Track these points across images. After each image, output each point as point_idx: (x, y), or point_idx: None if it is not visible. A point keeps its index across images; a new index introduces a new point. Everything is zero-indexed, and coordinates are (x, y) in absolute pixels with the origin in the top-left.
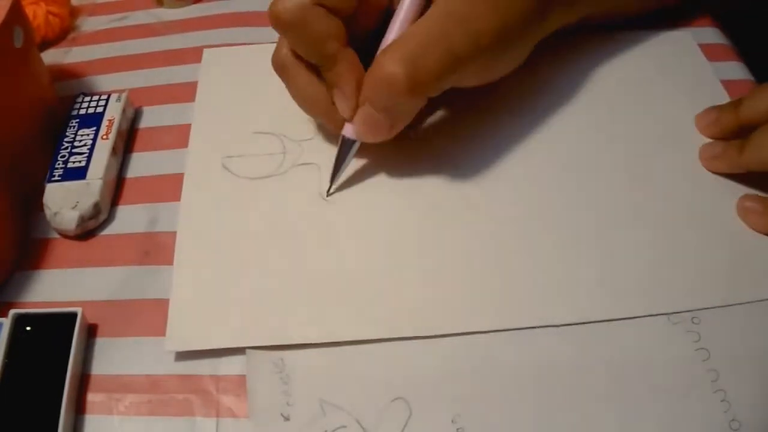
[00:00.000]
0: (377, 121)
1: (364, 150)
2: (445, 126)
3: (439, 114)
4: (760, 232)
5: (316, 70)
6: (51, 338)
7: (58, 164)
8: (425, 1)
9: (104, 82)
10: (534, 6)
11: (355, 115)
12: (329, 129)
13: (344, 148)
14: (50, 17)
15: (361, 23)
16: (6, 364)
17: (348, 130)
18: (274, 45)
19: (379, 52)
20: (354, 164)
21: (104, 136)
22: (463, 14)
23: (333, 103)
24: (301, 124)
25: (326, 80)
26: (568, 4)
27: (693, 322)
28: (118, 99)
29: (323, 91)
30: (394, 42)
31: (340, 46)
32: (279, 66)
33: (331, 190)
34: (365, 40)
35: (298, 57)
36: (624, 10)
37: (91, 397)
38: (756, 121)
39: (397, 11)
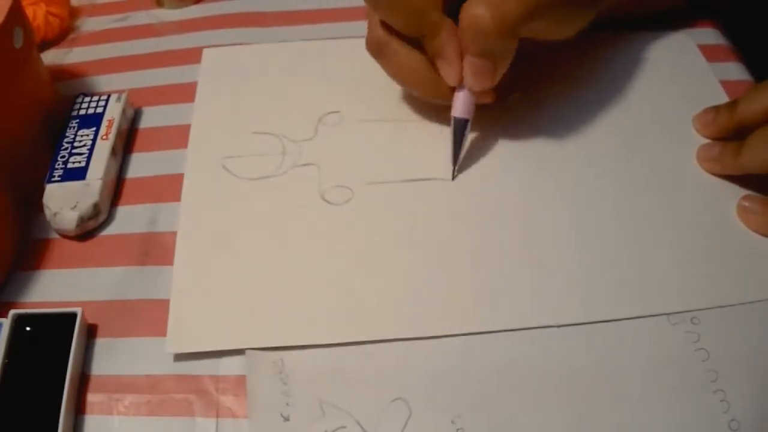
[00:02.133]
0: (480, 66)
1: (364, 152)
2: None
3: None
4: (759, 232)
5: (413, 44)
6: (51, 338)
7: (58, 164)
8: None
9: (104, 82)
10: None
11: (464, 69)
12: (436, 101)
13: (457, 129)
14: (50, 18)
15: None
16: (6, 364)
17: (456, 110)
18: (274, 45)
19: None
20: (353, 164)
21: (104, 137)
22: None
23: (436, 75)
24: (301, 124)
25: (429, 51)
26: None
27: (692, 323)
28: (118, 99)
29: (425, 63)
30: None
31: (439, 15)
32: (376, 46)
33: (455, 173)
34: (457, 10)
35: (394, 34)
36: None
37: (91, 398)
38: (751, 121)
39: None
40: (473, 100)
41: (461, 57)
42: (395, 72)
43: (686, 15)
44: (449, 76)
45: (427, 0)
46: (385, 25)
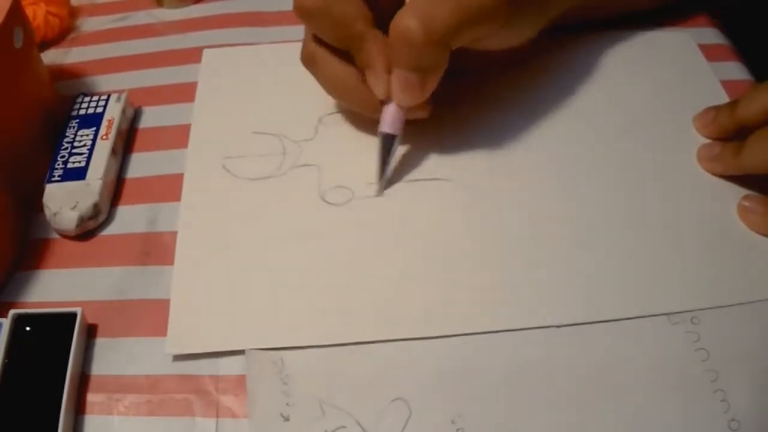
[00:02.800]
0: (410, 81)
1: (364, 152)
2: (447, 126)
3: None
4: (759, 233)
5: (345, 56)
6: (51, 338)
7: (58, 164)
8: None
9: (104, 82)
10: None
11: (391, 81)
12: (365, 114)
13: (384, 145)
14: (50, 17)
15: (384, 6)
16: (6, 364)
17: (384, 125)
18: (274, 45)
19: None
20: (353, 165)
21: (104, 137)
22: None
23: (365, 87)
24: (301, 124)
25: (357, 63)
26: None
27: (692, 323)
28: (118, 99)
29: (354, 75)
30: (407, 3)
31: (366, 26)
32: (308, 58)
33: (382, 190)
34: (389, 22)
35: (326, 46)
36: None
37: (91, 398)
38: (752, 121)
39: None
40: (402, 115)
41: (389, 68)
42: (326, 84)
43: (686, 14)
44: (377, 88)
45: (353, 11)
46: (317, 38)
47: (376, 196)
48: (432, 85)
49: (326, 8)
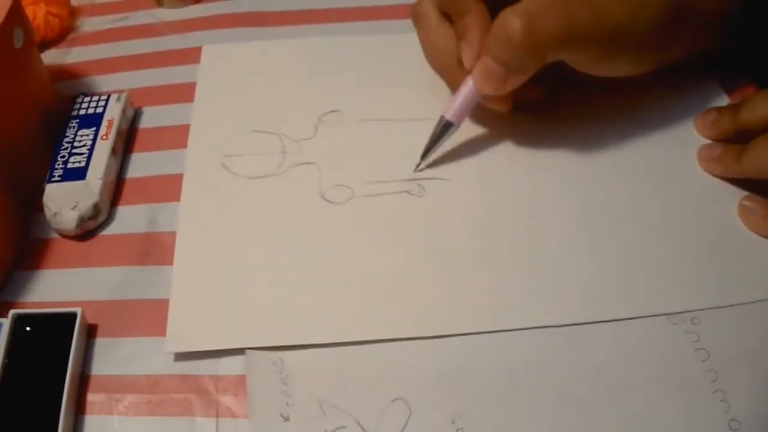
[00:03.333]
0: (493, 72)
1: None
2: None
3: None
4: (759, 234)
5: (449, 22)
6: (51, 338)
7: (58, 164)
8: None
9: (104, 82)
10: (665, 24)
11: (477, 65)
12: (447, 81)
13: (442, 129)
14: (50, 17)
15: None
16: (6, 364)
17: (448, 112)
18: (274, 43)
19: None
20: (353, 163)
21: (104, 137)
22: None
23: (454, 56)
24: (301, 123)
25: (455, 31)
26: (697, 38)
27: (692, 323)
28: (118, 99)
29: (450, 41)
30: (522, 1)
31: None
32: (414, 14)
33: (421, 166)
34: (502, 5)
35: (434, 7)
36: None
37: (91, 397)
38: (754, 126)
39: None
40: (471, 104)
41: (483, 44)
42: (424, 42)
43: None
44: (467, 58)
45: None
46: None
47: (415, 171)
48: (514, 84)
49: None
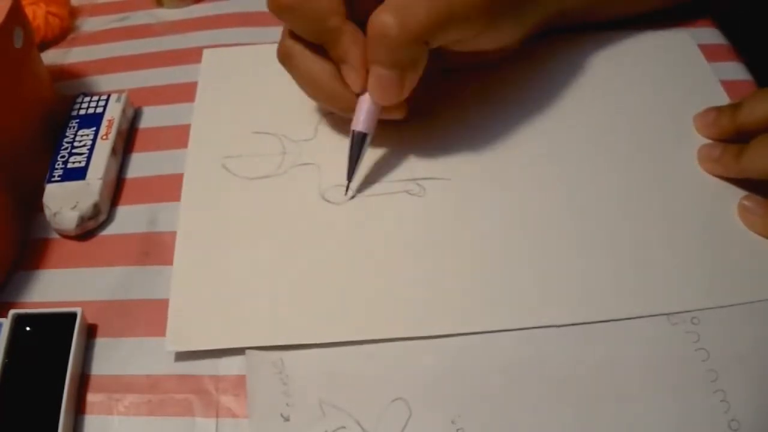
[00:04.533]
0: (387, 79)
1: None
2: (446, 124)
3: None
4: (758, 234)
5: (321, 52)
6: (51, 338)
7: (58, 164)
8: None
9: (104, 82)
10: None
11: (368, 80)
12: (339, 111)
13: (355, 143)
14: (50, 17)
15: (361, 3)
16: (6, 364)
17: (357, 123)
18: (275, 45)
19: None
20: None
21: (104, 137)
22: None
23: (340, 83)
24: (301, 124)
25: (333, 57)
26: None
27: (692, 323)
28: (118, 99)
29: (330, 72)
30: (386, 1)
31: (341, 20)
32: (284, 54)
33: (350, 191)
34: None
35: (302, 43)
36: (620, 8)
37: (91, 397)
38: (753, 126)
39: None
40: (376, 113)
41: (365, 62)
42: (301, 80)
43: (687, 14)
44: (352, 82)
45: (327, 5)
46: (293, 34)
47: (349, 198)
48: (411, 83)
49: (300, 3)
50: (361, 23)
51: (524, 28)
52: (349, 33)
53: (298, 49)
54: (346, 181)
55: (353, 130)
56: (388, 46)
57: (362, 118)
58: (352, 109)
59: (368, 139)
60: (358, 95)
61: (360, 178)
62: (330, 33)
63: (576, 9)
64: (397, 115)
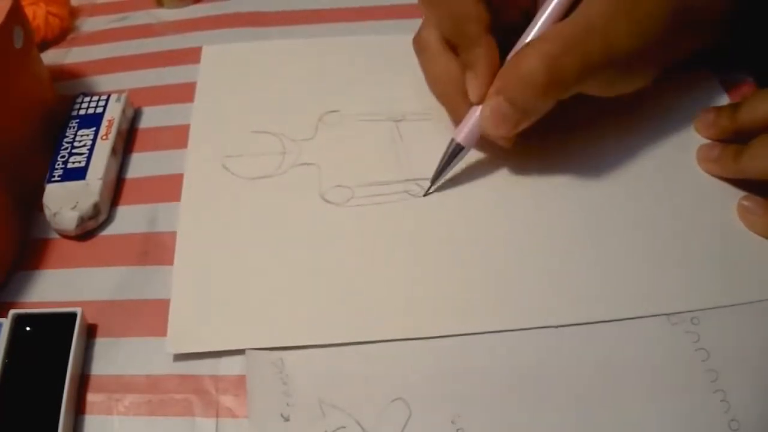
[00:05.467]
0: (506, 114)
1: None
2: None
3: None
4: (758, 234)
5: (454, 52)
6: (51, 338)
7: (58, 164)
8: (569, 6)
9: (104, 82)
10: (671, 34)
11: (485, 104)
12: (450, 113)
13: (452, 153)
14: (50, 17)
15: (504, 17)
16: (6, 364)
17: (459, 135)
18: (275, 43)
19: (518, 46)
20: (353, 164)
21: (104, 137)
22: (604, 27)
23: (460, 87)
24: (301, 123)
25: (462, 61)
26: (698, 38)
27: (692, 323)
28: (118, 99)
29: (455, 71)
30: (537, 39)
31: (481, 29)
32: (419, 43)
33: (431, 190)
34: (505, 35)
35: (438, 36)
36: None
37: (91, 398)
38: (753, 126)
39: (540, 11)
40: (479, 131)
41: (491, 77)
42: (428, 72)
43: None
44: (473, 91)
45: (473, 10)
46: (432, 26)
47: (424, 195)
48: (526, 125)
49: (449, 2)
50: (498, 33)
51: (656, 74)
52: (486, 45)
53: (434, 41)
54: (429, 183)
55: (453, 139)
56: (528, 91)
57: (465, 130)
58: (459, 114)
59: (463, 154)
60: (470, 105)
61: (439, 183)
62: (466, 37)
63: (687, 57)
64: (505, 144)
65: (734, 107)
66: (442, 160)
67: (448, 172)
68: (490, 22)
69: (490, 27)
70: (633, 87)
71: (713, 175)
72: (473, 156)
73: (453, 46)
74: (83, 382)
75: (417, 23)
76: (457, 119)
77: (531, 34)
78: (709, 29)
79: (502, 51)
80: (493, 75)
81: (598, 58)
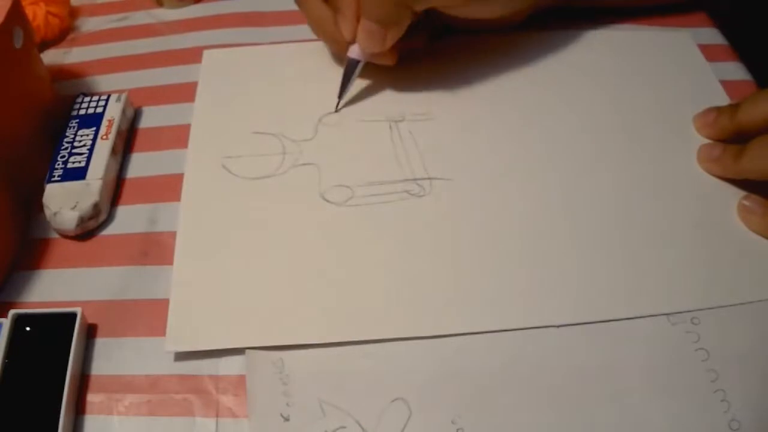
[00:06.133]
0: (372, 30)
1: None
2: (444, 123)
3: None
4: (758, 234)
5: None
6: (51, 338)
7: (58, 164)
8: None
9: (104, 82)
10: None
11: (358, 29)
12: (336, 52)
13: (349, 68)
14: (50, 17)
15: None
16: (6, 364)
17: (352, 51)
18: (275, 45)
19: None
20: (353, 164)
21: (104, 137)
22: None
23: (338, 31)
24: (301, 124)
25: (331, 5)
26: None
27: (692, 323)
28: (118, 99)
29: (332, 18)
30: None
31: None
32: None
33: (340, 106)
34: None
35: None
36: None
37: (91, 397)
38: (753, 126)
39: None
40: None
41: (357, 14)
42: (308, 20)
43: (686, 14)
44: (344, 31)
45: None
46: None
47: (336, 111)
48: (393, 38)
49: None
50: None
51: (518, 2)
52: None
53: None
54: (337, 99)
55: (348, 57)
56: (378, 6)
57: (356, 48)
58: (340, 49)
59: (360, 65)
60: (349, 43)
61: (346, 102)
62: None
63: None
64: (387, 62)
65: (734, 107)
66: (343, 78)
67: (349, 87)
68: None
69: None
70: (495, 11)
71: (714, 175)
72: (473, 156)
73: None
74: (83, 382)
75: None
76: (339, 54)
77: None
78: None
79: None
80: (358, 12)
81: None
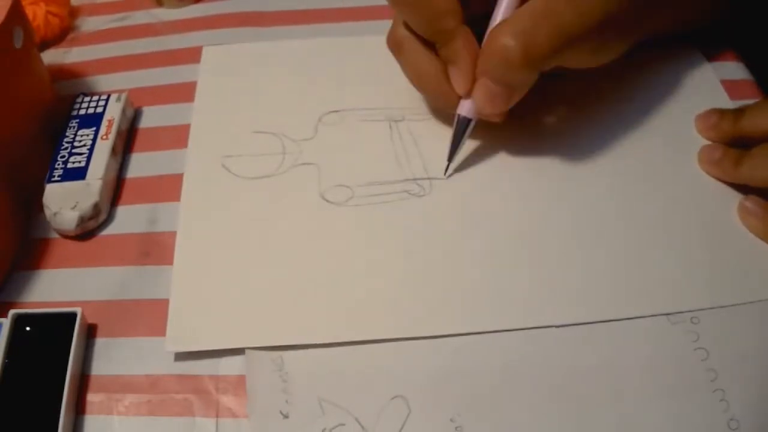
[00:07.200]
0: (495, 93)
1: (364, 152)
2: (445, 126)
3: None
4: (758, 236)
5: (431, 47)
6: (51, 338)
7: (58, 164)
8: None
9: (104, 82)
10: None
11: (474, 88)
12: (441, 107)
13: (459, 128)
14: (50, 17)
15: (473, 7)
16: (6, 364)
17: (463, 108)
18: (275, 43)
19: (490, 28)
20: (353, 164)
21: (104, 137)
22: None
23: (446, 81)
24: (301, 123)
25: (442, 56)
26: (672, 6)
27: (692, 322)
28: (118, 99)
29: (438, 67)
30: (507, 19)
31: (457, 23)
32: (395, 43)
33: (449, 171)
34: (478, 23)
35: (413, 34)
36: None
37: (91, 397)
38: (754, 135)
39: None
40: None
41: (474, 67)
42: (409, 72)
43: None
44: (459, 85)
45: (444, 5)
46: (407, 24)
47: (446, 177)
48: (516, 100)
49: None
50: (473, 19)
51: (627, 47)
52: (463, 37)
53: (409, 40)
54: (447, 162)
55: (458, 114)
56: (505, 68)
57: (467, 105)
58: (454, 106)
59: (472, 125)
60: (461, 98)
61: (455, 164)
62: (443, 33)
63: (667, 28)
64: (499, 119)
65: (737, 113)
66: (453, 138)
67: (460, 148)
68: (463, 14)
69: (463, 19)
70: (609, 56)
71: (714, 177)
72: (473, 156)
73: (429, 42)
74: (83, 382)
75: None
76: (447, 110)
77: (499, 15)
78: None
79: (477, 40)
80: (475, 65)
81: (570, 27)
